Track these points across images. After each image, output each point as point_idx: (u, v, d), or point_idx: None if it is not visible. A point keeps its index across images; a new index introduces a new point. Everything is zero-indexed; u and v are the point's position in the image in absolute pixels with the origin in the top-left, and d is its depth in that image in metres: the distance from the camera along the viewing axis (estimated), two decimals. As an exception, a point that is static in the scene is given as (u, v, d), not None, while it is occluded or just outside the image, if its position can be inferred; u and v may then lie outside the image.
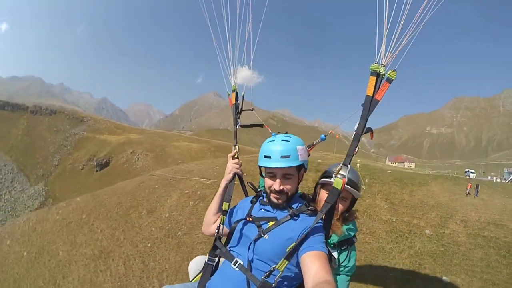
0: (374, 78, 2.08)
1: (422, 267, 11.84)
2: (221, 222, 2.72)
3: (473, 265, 11.72)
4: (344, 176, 2.19)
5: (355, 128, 2.20)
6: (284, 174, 2.39)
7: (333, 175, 2.25)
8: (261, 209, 2.55)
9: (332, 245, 2.97)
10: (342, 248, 3.02)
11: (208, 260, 2.61)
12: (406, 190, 19.44)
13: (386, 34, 2.04)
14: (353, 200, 3.16)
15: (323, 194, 2.96)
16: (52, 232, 23.10)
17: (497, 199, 18.07)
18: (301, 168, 2.49)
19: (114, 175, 74.68)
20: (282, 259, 2.12)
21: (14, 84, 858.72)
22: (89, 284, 16.52)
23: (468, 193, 19.52)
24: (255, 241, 2.33)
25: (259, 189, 2.94)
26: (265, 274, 2.15)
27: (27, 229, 25.02)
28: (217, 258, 2.61)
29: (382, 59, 2.09)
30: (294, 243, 2.13)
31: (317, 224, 2.19)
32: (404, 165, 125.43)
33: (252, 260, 2.31)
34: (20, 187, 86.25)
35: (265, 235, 2.31)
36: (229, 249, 2.51)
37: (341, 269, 2.98)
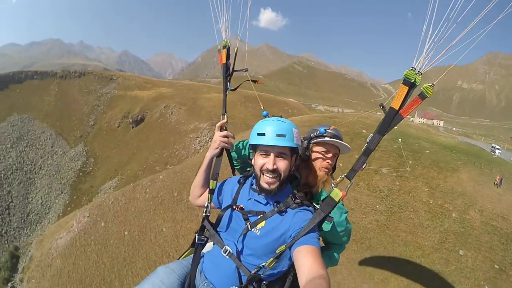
0: (406, 88, 1.82)
1: (447, 242, 17.26)
2: (209, 201, 2.68)
3: (480, 245, 16.90)
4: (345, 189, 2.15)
5: (368, 140, 2.05)
6: (279, 153, 2.29)
7: (333, 185, 2.28)
8: (250, 198, 2.46)
9: (317, 202, 2.73)
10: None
11: (198, 240, 2.57)
12: (441, 176, 22.36)
13: (430, 29, 1.69)
14: (338, 156, 3.09)
15: (316, 154, 2.88)
16: (148, 211, 24.41)
17: (510, 195, 20.89)
18: (294, 153, 2.38)
19: (151, 130, 77.16)
20: (272, 258, 2.17)
21: (35, 50, 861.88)
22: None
23: (496, 183, 22.30)
24: (244, 234, 2.31)
25: (248, 169, 2.76)
26: (255, 269, 2.18)
27: (119, 209, 26.37)
28: (206, 239, 2.57)
29: (419, 64, 1.78)
30: (284, 246, 2.14)
31: (308, 222, 2.14)
32: (433, 123, 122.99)
33: (241, 252, 2.31)
34: (60, 150, 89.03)
35: (257, 231, 2.28)
36: (218, 233, 2.51)
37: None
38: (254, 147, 2.40)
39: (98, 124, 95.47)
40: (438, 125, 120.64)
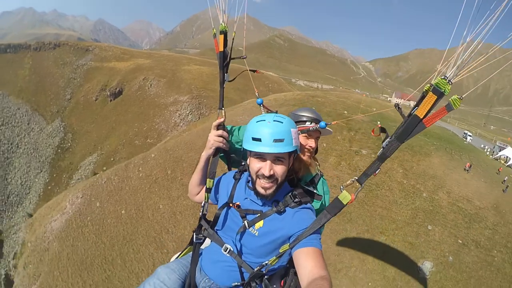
0: (435, 97, 1.72)
1: (417, 218, 19.63)
2: (206, 200, 2.63)
3: (446, 222, 19.35)
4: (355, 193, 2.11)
5: (383, 145, 1.95)
6: (275, 157, 2.17)
7: (341, 187, 2.15)
8: (246, 198, 2.39)
9: (305, 183, 2.87)
10: (316, 182, 2.99)
11: (196, 239, 2.55)
12: (415, 159, 24.61)
13: (465, 36, 1.63)
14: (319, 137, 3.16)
15: (299, 138, 2.64)
16: (143, 190, 24.94)
17: (476, 181, 23.52)
18: (292, 153, 2.28)
19: (129, 103, 76.21)
20: (274, 257, 2.16)
21: (6, 19, 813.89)
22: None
23: (465, 169, 24.79)
24: (241, 233, 2.30)
25: (243, 163, 2.66)
26: (258, 267, 2.18)
27: (113, 189, 26.67)
28: (204, 238, 2.58)
29: (451, 72, 1.70)
30: (287, 245, 2.13)
31: (313, 222, 2.13)
32: (410, 104, 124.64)
33: (241, 251, 2.31)
34: (37, 127, 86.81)
35: (255, 231, 2.25)
36: (216, 232, 2.51)
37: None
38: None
39: (74, 98, 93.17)
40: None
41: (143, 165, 27.55)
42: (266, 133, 2.09)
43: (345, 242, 18.79)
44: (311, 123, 3.01)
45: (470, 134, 45.47)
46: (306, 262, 1.89)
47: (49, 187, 70.76)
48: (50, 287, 22.72)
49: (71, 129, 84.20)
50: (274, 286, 2.28)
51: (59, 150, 79.84)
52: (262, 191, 2.19)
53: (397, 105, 1.99)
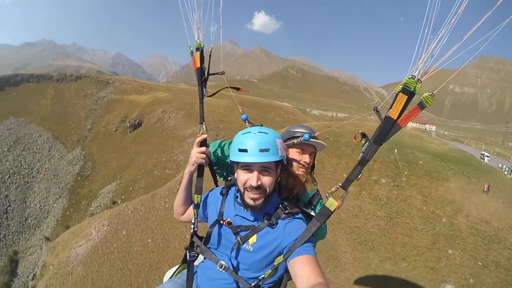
0: (406, 97, 1.74)
1: (438, 243, 20.06)
2: (195, 216, 2.61)
3: (466, 245, 19.71)
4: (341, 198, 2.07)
5: (363, 150, 1.98)
6: (262, 168, 2.19)
7: (327, 194, 2.18)
8: (236, 214, 2.38)
9: (304, 205, 2.86)
10: (314, 203, 2.93)
11: (189, 257, 2.55)
12: (433, 185, 25.00)
13: (430, 33, 1.60)
14: (315, 154, 3.17)
15: (293, 153, 2.86)
16: (169, 220, 25.53)
17: (494, 202, 23.76)
18: (279, 164, 2.30)
19: (148, 135, 77.41)
20: (270, 270, 2.18)
21: (28, 50, 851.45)
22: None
23: (484, 191, 24.88)
24: (236, 249, 2.30)
25: (229, 178, 2.73)
26: (255, 282, 2.20)
27: (139, 218, 27.15)
28: (197, 255, 2.57)
29: (418, 70, 1.70)
30: (281, 257, 2.13)
31: (304, 231, 2.13)
32: (425, 128, 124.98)
33: (237, 267, 2.31)
34: (58, 154, 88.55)
35: (249, 247, 2.25)
36: (209, 249, 2.49)
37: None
38: (236, 162, 2.29)
39: (95, 128, 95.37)
40: (430, 129, 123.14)
41: (169, 196, 28.11)
42: (252, 144, 2.14)
43: (368, 269, 19.17)
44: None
45: (488, 154, 45.29)
46: (302, 270, 1.91)
47: (68, 213, 71.67)
48: (72, 310, 22.75)
49: (91, 158, 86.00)
50: None
51: (78, 178, 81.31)
52: (251, 202, 2.21)
53: (375, 108, 1.98)
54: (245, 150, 2.15)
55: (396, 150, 29.88)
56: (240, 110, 3.17)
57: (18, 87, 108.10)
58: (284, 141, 2.84)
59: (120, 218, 28.24)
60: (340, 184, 2.08)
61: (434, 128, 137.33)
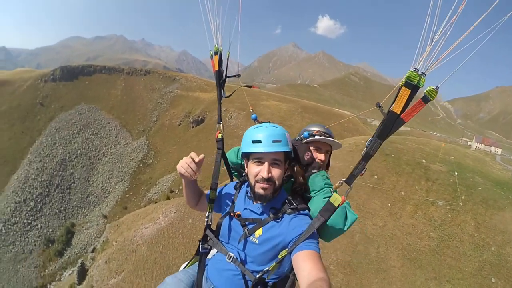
0: (409, 91, 1.71)
1: (483, 270, 20.42)
2: (210, 211, 2.67)
3: (510, 276, 19.71)
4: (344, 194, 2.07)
5: (366, 144, 1.94)
6: (273, 160, 2.30)
7: (331, 190, 2.27)
8: (245, 208, 2.48)
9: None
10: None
11: (202, 249, 2.62)
12: (488, 213, 24.76)
13: (435, 25, 1.53)
14: (331, 152, 3.21)
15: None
16: None
17: None
18: (287, 158, 2.41)
19: (210, 131, 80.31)
20: (274, 263, 2.19)
21: (99, 44, 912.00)
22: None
23: None
24: (243, 241, 2.36)
25: (243, 174, 2.73)
26: (260, 274, 2.21)
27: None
28: (210, 248, 2.64)
29: (423, 64, 1.64)
30: (286, 250, 2.16)
31: (308, 226, 2.15)
32: (490, 150, 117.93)
33: (244, 259, 2.36)
34: (124, 141, 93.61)
35: (255, 239, 2.31)
36: (220, 241, 2.55)
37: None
38: (247, 155, 2.41)
39: (160, 120, 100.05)
40: (496, 152, 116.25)
41: None
42: (265, 135, 2.25)
43: (413, 286, 20.02)
44: (320, 136, 3.13)
45: None
46: (304, 265, 1.94)
47: (127, 196, 76.54)
48: (131, 283, 25.03)
49: (154, 147, 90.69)
50: None
51: (141, 165, 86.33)
52: (261, 191, 2.29)
53: (377, 104, 1.92)
54: (259, 141, 2.26)
55: (456, 173, 29.58)
56: (251, 110, 3.41)
57: (91, 77, 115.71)
58: (301, 140, 3.09)
59: (187, 207, 29.58)
60: (344, 180, 2.07)
61: (499, 151, 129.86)
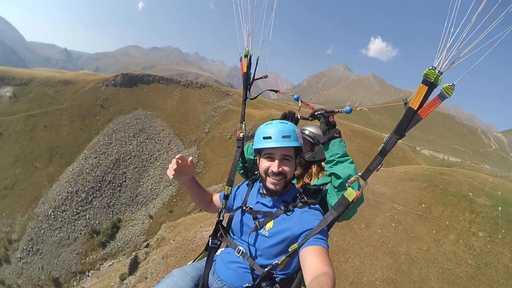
0: (426, 88, 1.72)
1: None
2: (223, 206, 2.75)
3: None
4: (360, 187, 2.10)
5: (384, 140, 1.95)
6: (283, 156, 2.36)
7: (346, 184, 2.19)
8: (257, 202, 2.54)
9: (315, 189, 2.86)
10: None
11: (211, 244, 2.66)
12: None
13: (452, 27, 1.55)
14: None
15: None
16: None
17: None
18: (298, 154, 2.46)
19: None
20: (284, 257, 2.20)
21: (155, 54, 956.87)
22: (336, 270, 23.80)
23: None
24: (253, 234, 2.41)
25: (256, 172, 2.86)
26: (268, 267, 2.23)
27: None
28: (219, 243, 2.69)
29: (441, 63, 1.67)
30: (296, 244, 2.17)
31: (321, 220, 2.17)
32: None
33: (253, 252, 2.39)
34: (176, 148, 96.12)
35: (265, 232, 2.35)
36: (231, 236, 2.61)
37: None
38: (259, 151, 2.47)
39: (211, 132, 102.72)
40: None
41: None
42: (275, 131, 2.33)
43: None
44: (312, 139, 3.22)
45: None
46: (312, 259, 1.95)
47: (174, 200, 79.00)
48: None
49: (204, 157, 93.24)
50: None
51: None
52: (271, 186, 2.38)
53: (404, 101, 1.89)
54: (269, 137, 2.33)
55: (500, 208, 30.08)
56: (290, 93, 3.22)
57: (149, 85, 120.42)
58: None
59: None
60: (360, 174, 2.10)
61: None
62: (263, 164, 2.41)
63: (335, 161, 2.45)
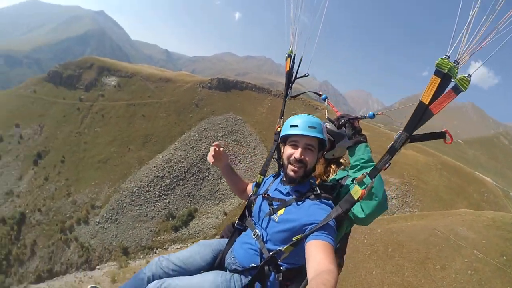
0: (439, 80, 1.57)
1: None
2: (253, 193, 2.90)
3: None
4: (365, 185, 2.03)
5: (395, 137, 1.87)
6: (307, 145, 2.45)
7: (354, 182, 2.14)
8: (276, 189, 2.68)
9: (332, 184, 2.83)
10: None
11: (237, 225, 2.86)
12: None
13: (474, 13, 1.41)
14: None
15: None
16: (364, 253, 29.14)
17: None
18: (321, 147, 2.55)
19: (340, 162, 79.44)
20: (288, 245, 2.24)
21: (249, 62, 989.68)
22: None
23: None
24: (267, 218, 2.52)
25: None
26: (273, 252, 2.33)
27: None
28: (245, 226, 2.83)
29: (459, 52, 1.50)
30: (300, 235, 2.19)
31: (326, 217, 2.17)
32: None
33: (264, 236, 2.51)
34: (260, 154, 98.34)
35: (276, 217, 2.44)
36: (252, 220, 2.74)
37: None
38: (285, 139, 2.60)
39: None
40: None
41: (368, 234, 31.14)
42: (302, 121, 2.47)
43: None
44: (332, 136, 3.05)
45: None
46: (316, 254, 1.95)
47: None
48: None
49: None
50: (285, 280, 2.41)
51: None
52: (291, 173, 2.50)
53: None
54: (296, 125, 2.47)
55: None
56: (320, 93, 3.37)
57: (242, 92, 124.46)
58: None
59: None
60: (367, 172, 2.06)
61: None
62: (287, 151, 2.56)
63: (359, 166, 2.50)
